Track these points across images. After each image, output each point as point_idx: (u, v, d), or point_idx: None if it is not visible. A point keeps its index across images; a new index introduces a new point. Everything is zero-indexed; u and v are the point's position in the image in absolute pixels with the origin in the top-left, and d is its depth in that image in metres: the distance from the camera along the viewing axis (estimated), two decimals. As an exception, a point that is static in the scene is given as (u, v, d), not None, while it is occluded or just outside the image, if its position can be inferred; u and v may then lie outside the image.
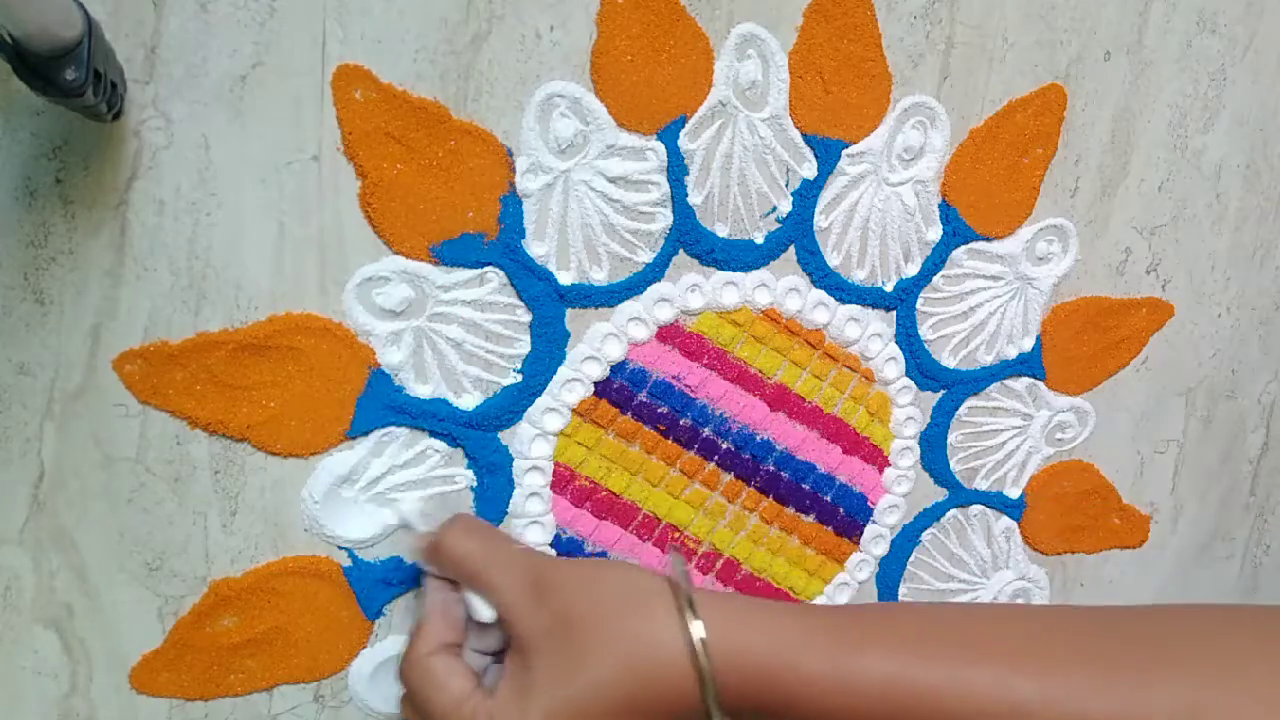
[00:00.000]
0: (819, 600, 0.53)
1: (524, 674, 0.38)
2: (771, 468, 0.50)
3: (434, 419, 0.43)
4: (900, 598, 0.55)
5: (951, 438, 0.53)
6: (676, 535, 0.49)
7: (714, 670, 0.37)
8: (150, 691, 0.41)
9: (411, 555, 0.44)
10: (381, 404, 0.42)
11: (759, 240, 0.46)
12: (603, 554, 0.48)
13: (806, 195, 0.47)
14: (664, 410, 0.47)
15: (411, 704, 0.41)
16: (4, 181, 0.36)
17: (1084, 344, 0.54)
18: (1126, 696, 0.36)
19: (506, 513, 0.45)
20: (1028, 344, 0.53)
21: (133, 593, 0.40)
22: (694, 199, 0.45)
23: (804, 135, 0.46)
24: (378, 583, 0.44)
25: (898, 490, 0.53)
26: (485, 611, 0.40)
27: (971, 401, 0.53)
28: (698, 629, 0.37)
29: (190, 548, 0.41)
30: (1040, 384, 0.54)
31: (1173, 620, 0.40)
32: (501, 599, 0.40)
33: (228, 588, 0.42)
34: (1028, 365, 0.54)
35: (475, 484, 0.45)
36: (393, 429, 0.43)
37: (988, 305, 0.52)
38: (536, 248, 0.43)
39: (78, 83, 0.33)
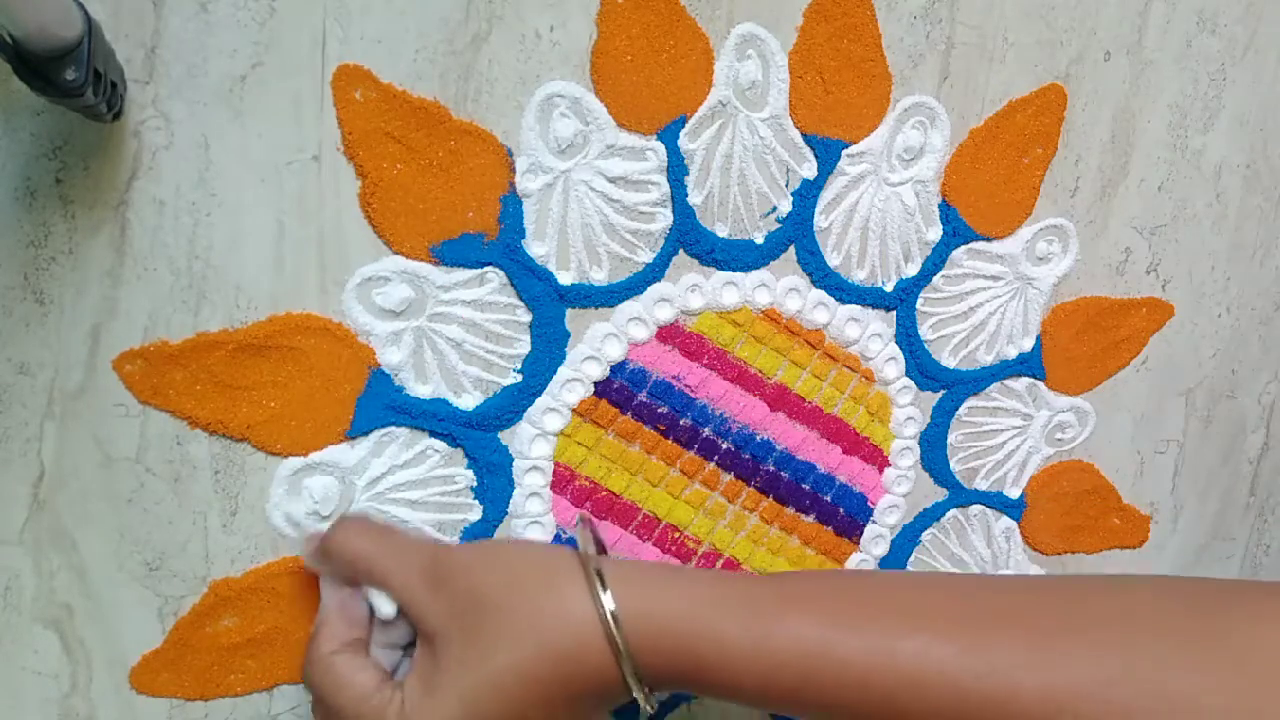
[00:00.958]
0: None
1: (431, 661, 0.37)
2: (771, 468, 0.50)
3: (434, 419, 0.43)
4: (900, 598, 0.55)
5: (951, 438, 0.54)
6: (677, 535, 0.49)
7: (629, 642, 0.36)
8: (150, 691, 0.41)
9: (307, 560, 0.42)
10: (381, 404, 0.42)
11: (759, 240, 0.46)
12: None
13: (806, 195, 0.47)
14: (664, 410, 0.47)
15: (319, 707, 0.39)
16: (4, 181, 0.36)
17: (1084, 344, 0.54)
18: (1056, 666, 0.34)
19: (507, 513, 0.45)
20: (1028, 344, 0.53)
21: (133, 593, 0.41)
22: (694, 199, 0.45)
23: (804, 135, 0.46)
24: (378, 583, 0.44)
25: (898, 490, 0.53)
26: (386, 606, 0.39)
27: (971, 401, 0.53)
28: (608, 601, 0.36)
29: (190, 548, 0.41)
30: (1040, 384, 0.54)
31: (1102, 589, 0.38)
32: (399, 590, 0.38)
33: (228, 588, 0.42)
34: (1028, 365, 0.54)
35: (475, 484, 0.45)
36: (393, 429, 0.43)
37: (988, 305, 0.52)
38: (536, 248, 0.43)
39: (78, 83, 0.33)
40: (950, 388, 0.53)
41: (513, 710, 0.36)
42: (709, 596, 0.37)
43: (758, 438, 0.49)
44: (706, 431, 0.48)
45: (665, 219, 0.45)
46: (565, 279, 0.44)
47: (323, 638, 0.39)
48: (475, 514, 0.45)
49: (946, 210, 0.49)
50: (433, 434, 0.43)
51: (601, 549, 0.41)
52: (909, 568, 0.54)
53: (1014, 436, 0.55)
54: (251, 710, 0.43)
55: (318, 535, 0.41)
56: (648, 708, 0.37)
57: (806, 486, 0.51)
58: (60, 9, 0.32)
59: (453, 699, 0.36)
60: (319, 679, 0.38)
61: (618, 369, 0.46)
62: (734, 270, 0.46)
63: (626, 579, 0.37)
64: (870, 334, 0.50)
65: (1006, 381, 0.54)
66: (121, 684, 0.41)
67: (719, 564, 0.50)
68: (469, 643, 0.36)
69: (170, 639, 0.41)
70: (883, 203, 0.48)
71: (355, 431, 0.42)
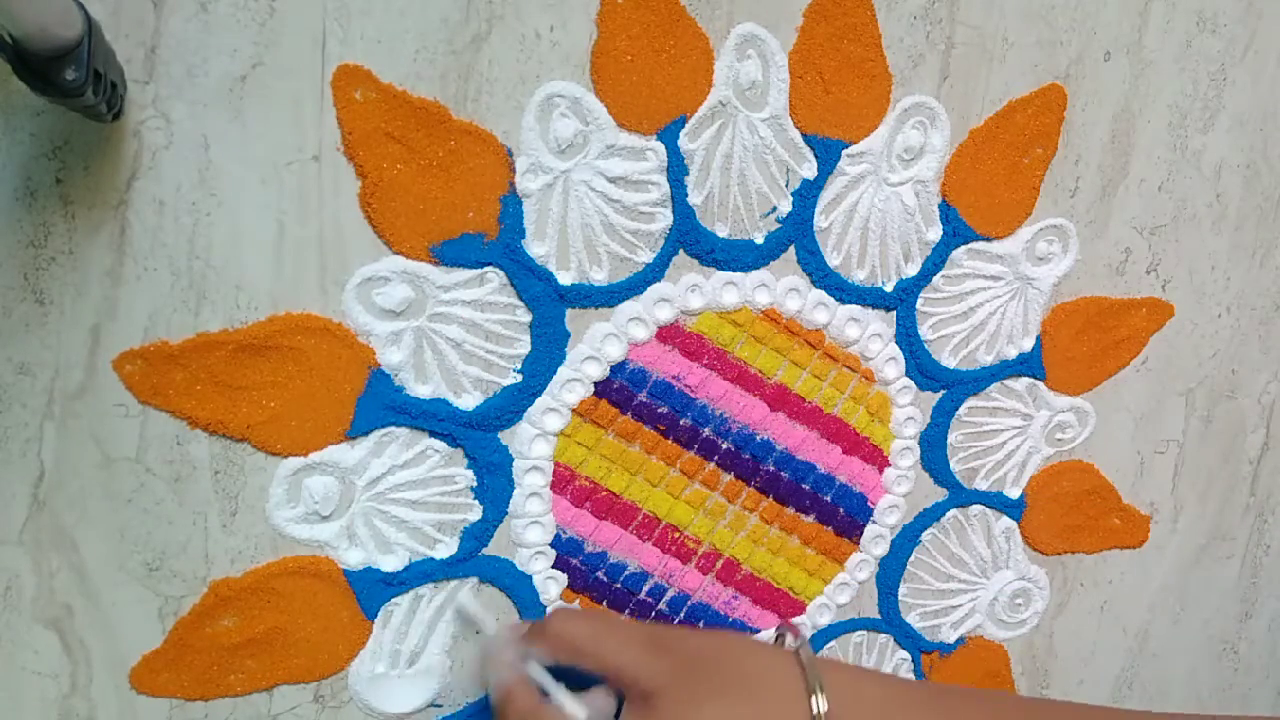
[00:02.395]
0: (818, 601, 0.53)
1: (648, 710, 0.40)
2: (771, 468, 0.50)
3: (434, 419, 0.43)
4: (900, 599, 0.55)
5: (951, 438, 0.54)
6: (677, 535, 0.49)
7: None
8: (150, 691, 0.41)
9: (493, 645, 0.44)
10: (382, 404, 0.42)
11: (759, 240, 0.46)
12: (603, 555, 0.48)
13: (806, 195, 0.47)
14: (664, 410, 0.47)
15: None
16: (4, 181, 0.36)
17: (1084, 344, 0.54)
18: None
19: (506, 513, 0.45)
20: (1028, 344, 0.53)
21: (133, 593, 0.41)
22: (694, 199, 0.45)
23: (804, 135, 0.46)
24: (377, 583, 0.44)
25: (898, 490, 0.53)
26: (580, 712, 0.41)
27: (971, 402, 0.53)
28: (821, 702, 0.40)
29: (190, 548, 0.41)
30: (1040, 384, 0.54)
31: None
32: (621, 660, 0.41)
33: (228, 588, 0.42)
34: (1028, 365, 0.54)
35: (475, 484, 0.45)
36: (393, 429, 0.43)
37: (988, 305, 0.52)
38: (536, 248, 0.43)
39: (78, 83, 0.33)
40: (950, 388, 0.53)
41: None
42: (899, 701, 0.42)
43: (758, 438, 0.49)
44: (706, 431, 0.48)
45: (665, 219, 0.45)
46: (565, 279, 0.44)
47: (520, 697, 0.42)
48: (475, 514, 0.45)
49: (946, 210, 0.49)
50: (433, 434, 0.43)
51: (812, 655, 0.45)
52: (909, 568, 0.54)
53: (1014, 436, 0.55)
54: (251, 710, 0.43)
55: (525, 623, 0.45)
56: None
57: (806, 486, 0.51)
58: (60, 9, 0.31)
59: None
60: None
61: (618, 369, 0.46)
62: (734, 270, 0.46)
63: (837, 683, 0.41)
64: (870, 334, 0.50)
65: (1006, 381, 0.54)
66: (121, 684, 0.41)
67: (718, 564, 0.50)
68: (686, 698, 0.39)
69: (170, 639, 0.41)
70: (883, 203, 0.48)
71: (355, 431, 0.42)
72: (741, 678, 0.40)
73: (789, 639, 0.45)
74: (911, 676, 0.56)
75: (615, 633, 0.42)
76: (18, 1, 0.29)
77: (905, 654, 0.56)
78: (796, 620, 0.52)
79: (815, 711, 0.40)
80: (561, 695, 0.42)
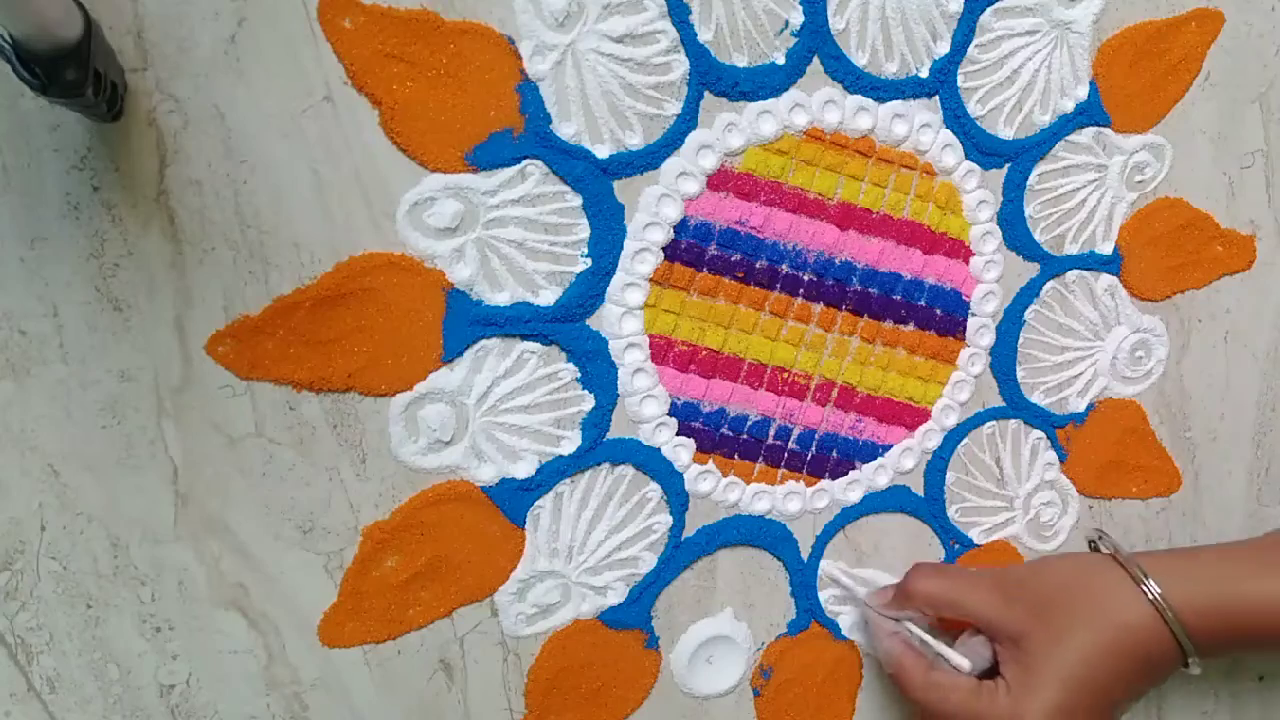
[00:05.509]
0: (940, 404, 0.46)
1: (1019, 657, 0.40)
2: (858, 287, 0.43)
3: (520, 322, 0.38)
4: (1020, 381, 0.47)
5: (1029, 209, 0.46)
6: (786, 375, 0.43)
7: (1179, 618, 0.39)
8: (340, 643, 0.38)
9: (874, 609, 0.44)
10: (466, 321, 0.37)
11: (781, 60, 0.39)
12: (721, 411, 0.42)
13: (814, 0, 0.39)
14: (737, 257, 0.41)
15: (932, 716, 0.41)
16: (47, 204, 0.32)
17: (1140, 76, 0.46)
18: None
19: (618, 395, 0.40)
20: (1082, 92, 0.45)
21: (295, 557, 0.37)
22: (704, 36, 0.38)
23: (796, -59, 0.39)
24: (516, 491, 0.39)
25: (989, 277, 0.46)
26: (964, 662, 0.41)
27: (1040, 167, 0.45)
28: (1154, 586, 0.40)
29: (334, 502, 0.37)
30: (1106, 130, 0.46)
31: None
32: (983, 612, 0.41)
33: (380, 531, 0.38)
34: (1088, 114, 0.45)
35: (580, 374, 0.39)
36: (484, 342, 0.38)
37: (1031, 63, 0.43)
38: (566, 128, 0.37)
39: (78, 83, 0.29)
40: (1014, 159, 0.45)
41: (1097, 679, 0.39)
42: (1227, 563, 0.42)
43: (836, 261, 0.43)
44: (784, 268, 0.42)
45: (682, 65, 0.38)
46: (602, 152, 0.38)
47: (912, 668, 0.42)
48: (588, 403, 0.40)
49: (962, -22, 0.41)
50: (524, 337, 0.38)
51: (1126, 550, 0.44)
52: (1020, 350, 0.47)
53: (1093, 191, 0.47)
54: (439, 637, 0.40)
55: (890, 587, 0.44)
56: (1196, 671, 0.41)
57: (897, 297, 0.44)
58: (60, 9, 0.27)
59: (1049, 678, 0.39)
60: (928, 695, 0.41)
61: (681, 228, 0.40)
62: (764, 98, 0.39)
63: (1162, 570, 0.41)
64: (919, 126, 0.42)
65: (1070, 137, 0.45)
66: (313, 642, 0.38)
67: (834, 393, 0.44)
68: (1051, 636, 0.40)
69: (343, 591, 0.38)
70: (895, -11, 0.40)
71: (449, 354, 0.37)
72: (1085, 601, 0.40)
73: (1102, 546, 0.45)
74: (1051, 455, 0.49)
75: (969, 586, 0.42)
76: (18, 1, 0.25)
77: (1039, 433, 0.49)
78: (923, 428, 0.46)
79: (1150, 597, 0.40)
80: (945, 650, 0.42)
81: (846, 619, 0.46)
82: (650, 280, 0.40)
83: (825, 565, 0.45)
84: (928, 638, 0.42)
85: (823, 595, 0.46)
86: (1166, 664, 0.40)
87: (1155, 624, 0.39)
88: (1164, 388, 0.51)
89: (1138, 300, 0.49)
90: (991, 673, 0.42)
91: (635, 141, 0.38)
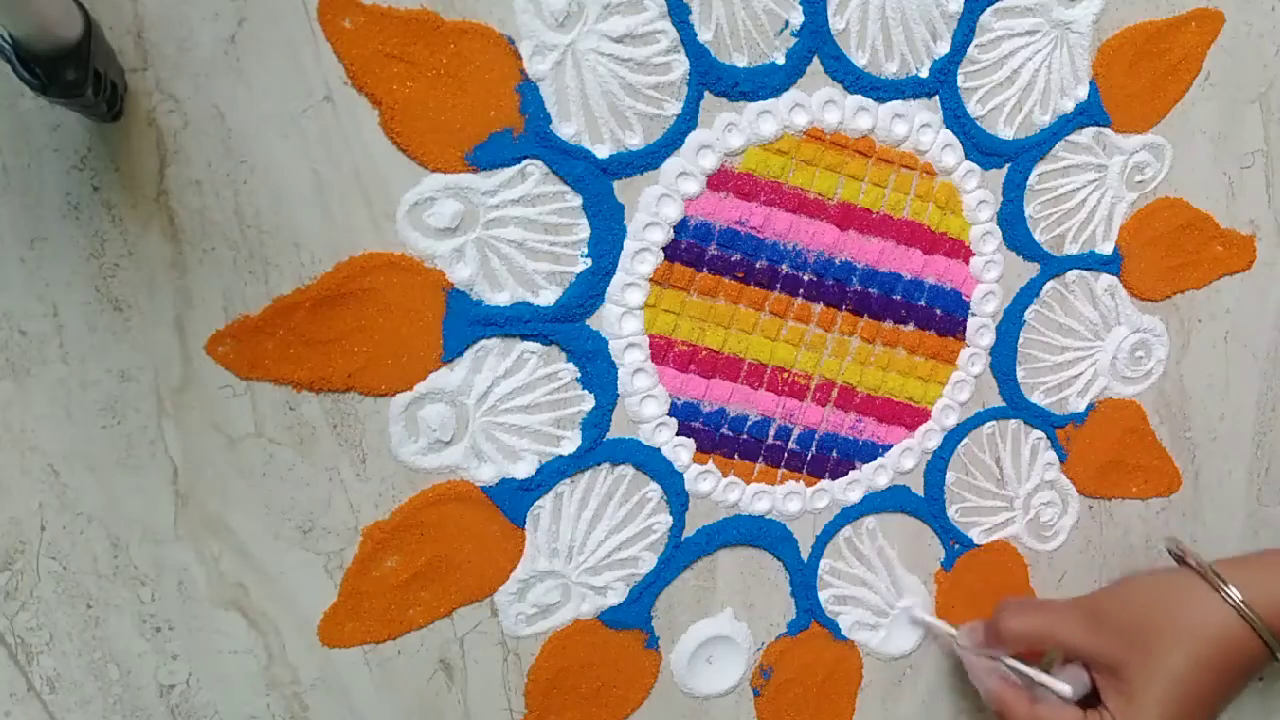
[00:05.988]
0: (940, 404, 0.46)
1: (1117, 685, 0.41)
2: (858, 287, 0.43)
3: (520, 322, 0.38)
4: (1020, 381, 0.47)
5: (1029, 209, 0.46)
6: (786, 375, 0.43)
7: (1262, 619, 0.40)
8: (340, 643, 0.38)
9: (967, 647, 0.45)
10: (465, 321, 0.37)
11: (780, 60, 0.39)
12: (721, 411, 0.42)
13: (814, 0, 0.39)
14: (737, 257, 0.41)
15: None
16: (47, 204, 0.32)
17: (1140, 76, 0.45)
18: None
19: (618, 395, 0.40)
20: (1082, 92, 0.45)
21: (295, 557, 0.37)
22: (704, 36, 0.38)
23: (796, -59, 0.39)
24: (515, 491, 0.39)
25: (989, 277, 0.46)
26: (1065, 689, 0.42)
27: (1040, 167, 0.45)
28: (1234, 592, 0.41)
29: (334, 503, 0.37)
30: (1106, 130, 0.46)
31: None
32: (1076, 644, 0.43)
33: (380, 531, 0.38)
34: (1088, 114, 0.45)
35: (579, 374, 0.39)
36: (484, 342, 0.38)
37: (1031, 63, 0.43)
38: (566, 128, 0.37)
39: (78, 83, 0.29)
40: (1014, 159, 0.45)
41: (1194, 696, 0.40)
42: None
43: (836, 261, 0.43)
44: (784, 268, 0.42)
45: (682, 65, 0.38)
46: (602, 152, 0.38)
47: (1015, 704, 0.42)
48: (588, 403, 0.40)
49: (961, -22, 0.41)
50: (524, 337, 0.38)
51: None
52: (1020, 350, 0.47)
53: (1092, 191, 0.47)
54: (439, 637, 0.39)
55: (980, 624, 0.45)
56: None
57: (897, 297, 0.44)
58: (60, 9, 0.27)
59: (1150, 705, 0.40)
60: None
61: (680, 228, 0.40)
62: (764, 98, 0.39)
63: (1237, 574, 0.42)
64: (919, 126, 0.42)
65: (1070, 137, 0.45)
66: (312, 642, 0.38)
67: (834, 393, 0.44)
68: (1146, 662, 0.41)
69: (343, 591, 0.38)
70: (895, -11, 0.40)
71: (449, 354, 0.37)
72: (1172, 619, 0.41)
73: (1187, 559, 0.45)
74: (1051, 455, 0.49)
75: (1060, 619, 0.43)
76: (18, 1, 0.25)
77: (1039, 433, 0.49)
78: (923, 428, 0.46)
79: (1232, 604, 0.41)
80: (1047, 679, 0.42)
81: (847, 619, 0.46)
82: (650, 280, 0.39)
83: (907, 606, 0.47)
84: (1028, 670, 0.43)
85: (823, 595, 0.46)
86: (1257, 664, 0.42)
87: (1240, 629, 0.41)
88: (1164, 388, 0.51)
89: (1138, 300, 0.49)
90: (1091, 698, 0.43)
91: (635, 141, 0.38)
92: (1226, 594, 0.41)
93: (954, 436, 0.47)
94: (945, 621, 0.46)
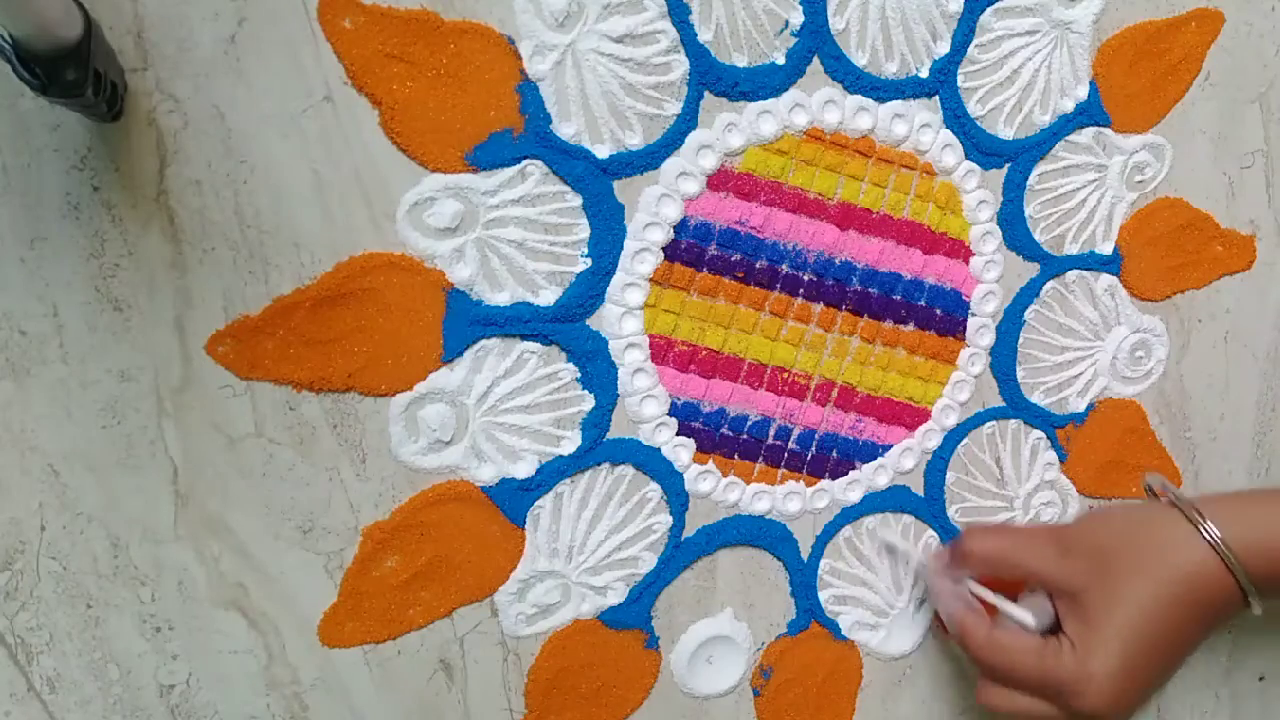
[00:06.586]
0: (940, 404, 0.46)
1: (1080, 612, 0.39)
2: (858, 287, 0.43)
3: (519, 322, 0.38)
4: (1020, 381, 0.47)
5: (1029, 210, 0.46)
6: (786, 375, 0.43)
7: (1238, 559, 0.38)
8: (340, 643, 0.38)
9: (933, 571, 0.44)
10: (465, 321, 0.37)
11: (781, 60, 0.39)
12: (721, 411, 0.42)
13: (813, 0, 0.39)
14: (737, 257, 0.41)
15: (1001, 679, 0.41)
16: (47, 204, 0.32)
17: (1140, 76, 0.45)
18: None
19: (618, 395, 0.40)
20: (1082, 92, 0.45)
21: (295, 557, 0.37)
22: (704, 36, 0.38)
23: (796, -59, 0.38)
24: (515, 491, 0.39)
25: (989, 277, 0.46)
26: (1029, 619, 0.41)
27: (1040, 167, 0.45)
28: (1213, 529, 0.39)
29: (334, 502, 0.37)
30: (1106, 130, 0.46)
31: None
32: (1037, 566, 0.41)
33: (380, 531, 0.38)
34: (1088, 114, 0.45)
35: (579, 375, 0.39)
36: (484, 342, 0.38)
37: (1031, 63, 0.43)
38: (565, 128, 0.37)
39: (78, 83, 0.29)
40: (1014, 159, 0.45)
41: (1158, 631, 0.38)
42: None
43: (836, 261, 0.43)
44: (784, 268, 0.42)
45: (681, 65, 0.38)
46: (602, 152, 0.38)
47: (973, 629, 0.41)
48: (588, 403, 0.40)
49: (961, -22, 0.41)
50: (523, 337, 0.38)
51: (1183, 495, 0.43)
52: (1020, 350, 0.47)
53: (1092, 191, 0.47)
54: (439, 637, 0.39)
55: (946, 549, 0.44)
56: (1258, 611, 0.40)
57: (897, 297, 0.44)
58: (60, 9, 0.27)
59: (1111, 633, 0.38)
60: (993, 656, 0.40)
61: (680, 228, 0.40)
62: (764, 98, 0.39)
63: (1219, 512, 0.40)
64: (919, 126, 0.42)
65: (1070, 137, 0.45)
66: (312, 643, 0.38)
67: (834, 393, 0.44)
68: (1110, 590, 0.39)
69: (343, 591, 0.38)
70: (895, -11, 0.40)
71: (449, 354, 0.37)
72: (1143, 550, 0.39)
73: (1161, 491, 0.44)
74: (1051, 455, 0.49)
75: (1026, 543, 0.42)
76: (18, 1, 0.25)
77: (1039, 433, 0.49)
78: (925, 428, 0.46)
79: (1209, 539, 0.39)
80: (1008, 606, 0.41)
81: (847, 619, 0.46)
82: (650, 280, 0.39)
83: (878, 528, 0.45)
84: (989, 595, 0.42)
85: (823, 595, 0.46)
86: (1229, 607, 0.40)
87: (1215, 567, 0.39)
88: (1164, 388, 0.51)
89: (1138, 300, 0.49)
90: (1055, 629, 0.41)
91: (635, 141, 0.38)
92: (1205, 529, 0.39)
93: (954, 436, 0.47)
94: (912, 544, 0.46)
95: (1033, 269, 0.47)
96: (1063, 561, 0.40)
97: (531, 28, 0.36)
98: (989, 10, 0.42)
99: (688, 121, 0.38)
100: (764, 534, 0.44)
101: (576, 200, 0.38)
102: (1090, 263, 0.48)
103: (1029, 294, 0.47)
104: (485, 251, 0.37)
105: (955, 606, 0.42)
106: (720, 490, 0.43)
